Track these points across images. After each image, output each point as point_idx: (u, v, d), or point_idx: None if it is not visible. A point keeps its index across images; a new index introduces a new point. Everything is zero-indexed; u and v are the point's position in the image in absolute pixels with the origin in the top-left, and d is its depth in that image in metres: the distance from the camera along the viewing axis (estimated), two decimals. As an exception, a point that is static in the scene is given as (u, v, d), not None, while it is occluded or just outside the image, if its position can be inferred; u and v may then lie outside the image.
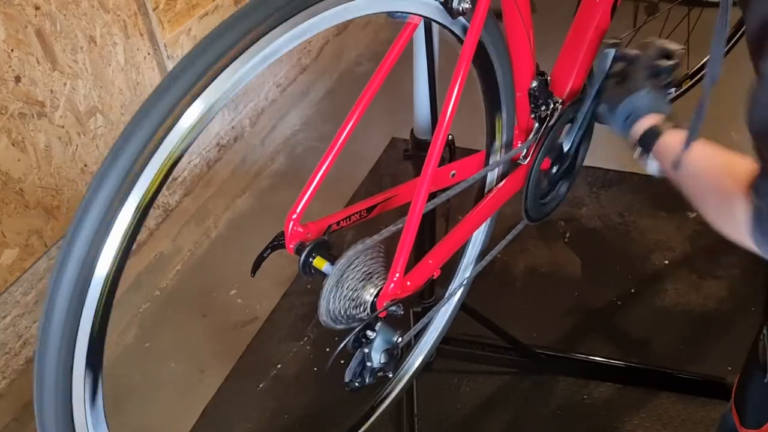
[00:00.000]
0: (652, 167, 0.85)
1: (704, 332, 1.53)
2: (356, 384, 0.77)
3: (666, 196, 1.88)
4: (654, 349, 1.50)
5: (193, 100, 0.57)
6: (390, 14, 0.73)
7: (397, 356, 0.78)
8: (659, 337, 1.53)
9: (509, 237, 1.05)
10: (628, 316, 1.58)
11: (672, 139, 0.80)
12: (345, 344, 0.72)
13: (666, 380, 1.42)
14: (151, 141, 0.55)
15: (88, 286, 0.56)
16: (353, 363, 0.77)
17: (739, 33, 1.48)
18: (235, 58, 0.58)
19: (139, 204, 0.56)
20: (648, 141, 0.83)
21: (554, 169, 1.07)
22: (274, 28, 0.59)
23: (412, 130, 1.15)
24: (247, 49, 0.58)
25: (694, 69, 1.40)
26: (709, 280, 1.63)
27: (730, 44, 1.39)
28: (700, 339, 1.52)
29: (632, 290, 1.64)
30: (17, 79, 1.28)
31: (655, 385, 1.42)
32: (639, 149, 0.85)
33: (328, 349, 1.56)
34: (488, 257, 1.05)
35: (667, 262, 1.69)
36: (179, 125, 0.56)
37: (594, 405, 1.41)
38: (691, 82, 1.38)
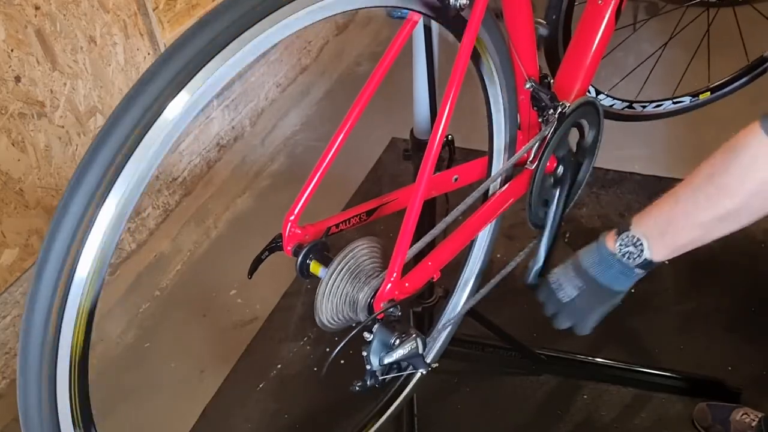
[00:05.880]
0: (660, 256, 0.83)
1: (704, 332, 1.53)
2: (357, 387, 0.76)
3: (666, 196, 1.87)
4: (654, 349, 1.50)
5: (177, 93, 0.53)
6: (388, 10, 0.72)
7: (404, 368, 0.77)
8: (659, 337, 1.52)
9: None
10: (628, 317, 1.57)
11: (654, 220, 0.80)
12: (341, 347, 0.71)
13: (666, 380, 1.42)
14: (130, 137, 0.52)
15: (68, 290, 0.53)
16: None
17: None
18: (221, 48, 0.55)
19: (120, 202, 0.53)
20: (640, 249, 0.83)
21: (559, 173, 1.04)
22: (266, 16, 0.56)
23: (411, 130, 1.14)
24: (235, 38, 0.55)
25: (716, 84, 1.38)
26: (709, 280, 1.63)
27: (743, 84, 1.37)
28: (700, 339, 1.51)
29: (632, 290, 1.62)
30: (17, 79, 1.28)
31: (655, 385, 1.42)
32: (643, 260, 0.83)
33: (327, 349, 1.56)
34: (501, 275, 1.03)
35: (666, 262, 1.69)
36: (162, 118, 0.53)
37: (594, 405, 1.41)
38: (711, 95, 1.37)
